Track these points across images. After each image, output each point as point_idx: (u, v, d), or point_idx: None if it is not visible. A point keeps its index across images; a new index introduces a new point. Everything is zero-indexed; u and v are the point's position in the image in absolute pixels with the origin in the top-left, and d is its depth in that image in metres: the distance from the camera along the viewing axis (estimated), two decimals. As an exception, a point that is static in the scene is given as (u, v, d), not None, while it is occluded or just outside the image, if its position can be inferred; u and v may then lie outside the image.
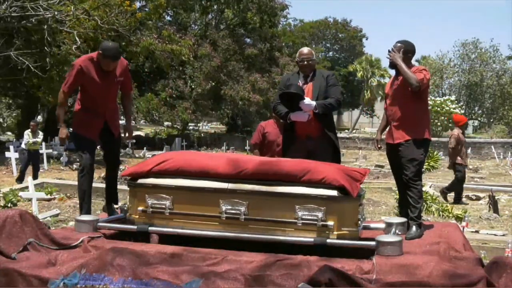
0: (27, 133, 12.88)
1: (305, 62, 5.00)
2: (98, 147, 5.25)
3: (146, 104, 24.56)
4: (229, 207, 3.91)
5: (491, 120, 40.85)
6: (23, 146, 13.17)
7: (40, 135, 13.13)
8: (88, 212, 4.70)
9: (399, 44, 4.61)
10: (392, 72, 4.73)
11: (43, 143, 17.55)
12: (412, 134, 4.48)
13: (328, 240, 3.72)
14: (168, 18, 29.84)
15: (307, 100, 4.81)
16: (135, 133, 32.34)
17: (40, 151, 15.99)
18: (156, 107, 24.59)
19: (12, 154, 14.51)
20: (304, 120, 4.85)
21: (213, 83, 27.69)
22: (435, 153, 19.52)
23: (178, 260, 3.51)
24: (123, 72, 4.86)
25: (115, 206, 5.04)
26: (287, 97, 4.89)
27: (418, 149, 4.47)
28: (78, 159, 4.97)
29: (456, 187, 10.85)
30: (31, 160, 12.74)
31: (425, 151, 4.56)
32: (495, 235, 7.46)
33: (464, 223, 7.07)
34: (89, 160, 4.73)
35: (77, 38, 15.82)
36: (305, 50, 5.14)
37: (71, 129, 5.07)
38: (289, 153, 4.97)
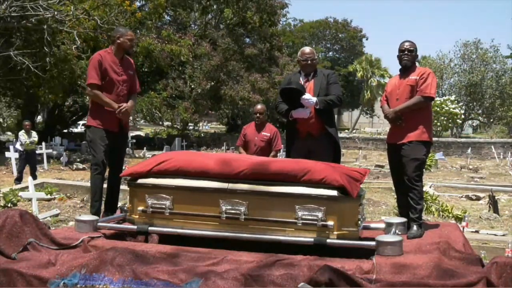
0: (22, 134, 12.83)
1: (309, 62, 5.00)
2: None
3: (148, 104, 24.45)
4: (229, 207, 3.91)
5: (491, 120, 40.84)
6: (18, 147, 13.11)
7: (34, 134, 13.07)
8: (98, 211, 4.74)
9: (407, 43, 4.59)
10: (392, 72, 4.74)
11: (43, 143, 17.59)
12: (415, 136, 4.49)
13: (328, 240, 3.71)
14: (168, 17, 29.83)
15: (307, 95, 4.82)
16: (135, 133, 32.37)
17: (40, 151, 16.03)
18: (159, 105, 24.56)
19: (12, 154, 14.50)
20: (305, 116, 4.85)
21: (213, 83, 27.67)
22: (431, 153, 19.46)
23: (178, 260, 3.51)
24: (133, 67, 5.06)
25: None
26: (288, 94, 4.89)
27: (420, 150, 4.47)
28: (91, 153, 4.90)
29: None
30: (28, 161, 12.71)
31: (427, 152, 4.56)
32: (495, 235, 7.47)
33: (464, 223, 7.07)
34: (103, 156, 4.76)
35: (76, 38, 15.82)
36: (307, 49, 5.14)
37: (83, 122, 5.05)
38: (291, 152, 4.99)
